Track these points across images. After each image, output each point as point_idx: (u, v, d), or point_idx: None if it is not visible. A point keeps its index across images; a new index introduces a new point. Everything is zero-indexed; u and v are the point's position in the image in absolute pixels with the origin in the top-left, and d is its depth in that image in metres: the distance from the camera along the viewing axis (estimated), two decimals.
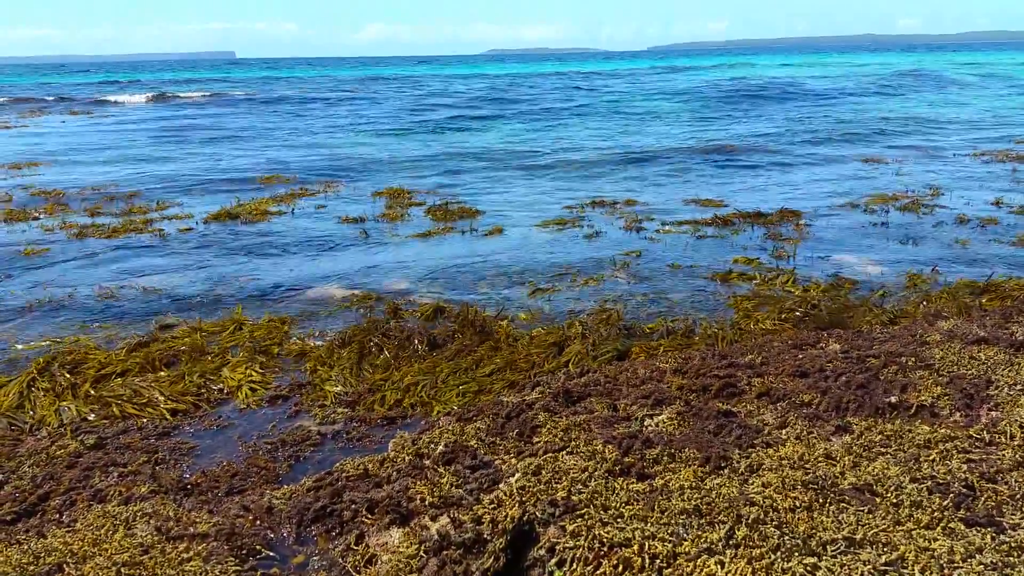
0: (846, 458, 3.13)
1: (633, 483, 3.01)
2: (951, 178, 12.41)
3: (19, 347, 5.74)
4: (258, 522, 3.19)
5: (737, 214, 9.81)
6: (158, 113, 32.11)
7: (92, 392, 4.85)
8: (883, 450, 3.20)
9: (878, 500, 2.80)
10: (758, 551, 2.50)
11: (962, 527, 2.61)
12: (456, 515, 2.91)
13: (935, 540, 2.53)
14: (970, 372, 3.93)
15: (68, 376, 5.03)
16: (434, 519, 2.96)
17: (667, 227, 9.38)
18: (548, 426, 3.63)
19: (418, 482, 3.23)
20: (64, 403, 4.70)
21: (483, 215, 10.47)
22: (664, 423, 3.60)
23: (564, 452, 3.34)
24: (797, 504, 2.77)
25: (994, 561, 2.42)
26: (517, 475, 3.14)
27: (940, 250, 8.03)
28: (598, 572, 2.53)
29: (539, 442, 3.48)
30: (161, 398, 4.74)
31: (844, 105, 27.80)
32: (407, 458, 3.50)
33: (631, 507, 2.80)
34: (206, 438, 4.32)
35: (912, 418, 3.50)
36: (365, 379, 5.05)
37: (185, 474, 3.83)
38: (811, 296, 6.47)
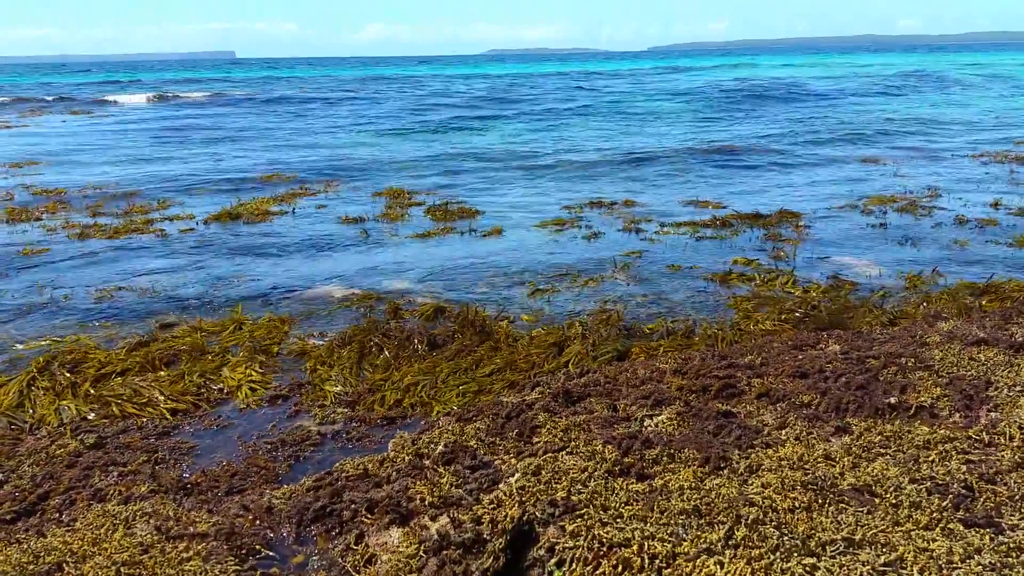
0: (845, 459, 3.13)
1: (633, 483, 3.02)
2: (951, 179, 12.42)
3: (19, 346, 5.74)
4: (258, 522, 3.19)
5: (737, 215, 9.81)
6: (159, 113, 32.12)
7: (92, 391, 4.86)
8: (882, 451, 3.20)
9: (877, 501, 2.80)
10: (757, 551, 2.50)
11: (961, 528, 2.61)
12: (456, 515, 2.91)
13: (934, 541, 2.53)
14: (970, 373, 3.94)
15: (68, 375, 5.04)
16: (434, 519, 2.96)
17: (667, 228, 9.39)
18: (548, 426, 3.63)
19: (418, 482, 3.24)
20: (64, 402, 4.70)
21: (483, 215, 10.47)
22: (664, 423, 3.60)
23: (564, 452, 3.34)
24: (796, 505, 2.77)
25: (993, 562, 2.42)
26: (517, 475, 3.15)
27: (939, 251, 8.04)
28: (597, 572, 2.53)
29: (539, 442, 3.49)
30: (161, 398, 4.74)
31: (846, 106, 27.80)
32: (407, 458, 3.50)
33: (631, 507, 2.81)
34: (206, 438, 4.32)
35: (911, 419, 3.50)
36: (365, 379, 5.05)
37: (185, 474, 3.84)
38: (811, 297, 6.47)
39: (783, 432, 3.45)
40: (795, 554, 2.49)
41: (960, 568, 2.40)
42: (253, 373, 5.13)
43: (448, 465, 3.36)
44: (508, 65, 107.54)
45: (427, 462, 3.42)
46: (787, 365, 4.23)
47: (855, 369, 4.07)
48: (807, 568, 2.42)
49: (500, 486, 3.09)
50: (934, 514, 2.69)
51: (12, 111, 33.59)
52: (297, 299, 6.87)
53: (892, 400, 3.65)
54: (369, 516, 3.09)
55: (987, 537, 2.55)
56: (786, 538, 2.56)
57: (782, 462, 3.12)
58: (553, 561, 2.63)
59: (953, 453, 3.13)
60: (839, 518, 2.68)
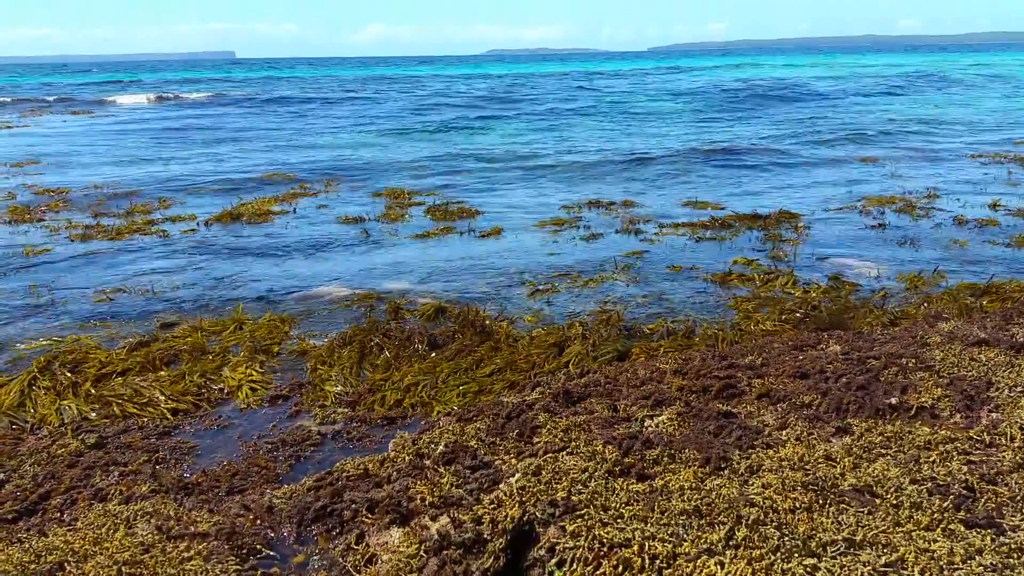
0: (846, 459, 3.13)
1: (633, 484, 3.02)
2: (952, 180, 12.42)
3: (20, 346, 5.74)
4: (258, 521, 3.19)
5: (737, 216, 9.81)
6: (160, 113, 32.13)
7: (93, 391, 4.86)
8: (883, 451, 3.20)
9: (878, 501, 2.80)
10: (758, 552, 2.50)
11: (962, 529, 2.61)
12: (456, 515, 2.91)
13: (935, 541, 2.53)
14: (970, 374, 3.94)
15: (69, 375, 5.04)
16: (434, 519, 2.96)
17: (667, 229, 9.39)
18: (548, 426, 3.63)
19: (418, 482, 3.24)
20: (65, 402, 4.70)
21: (483, 216, 10.48)
22: (664, 424, 3.60)
23: (564, 452, 3.34)
24: (797, 505, 2.77)
25: (994, 563, 2.42)
26: (517, 475, 3.15)
27: (939, 252, 8.04)
28: (598, 572, 2.53)
29: (539, 442, 3.49)
30: (162, 397, 4.74)
31: (848, 106, 27.81)
32: (407, 458, 3.50)
33: (631, 507, 2.81)
34: (206, 438, 4.32)
35: (912, 419, 3.50)
36: (365, 379, 5.05)
37: (186, 473, 3.84)
38: (811, 297, 6.47)
39: (784, 433, 3.45)
40: (796, 555, 2.49)
41: (961, 569, 2.40)
42: (254, 373, 5.14)
43: (448, 465, 3.36)
44: (509, 65, 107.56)
45: (427, 462, 3.42)
46: (788, 365, 4.23)
47: (856, 369, 4.07)
48: (808, 569, 2.42)
49: (500, 486, 3.09)
50: (935, 515, 2.69)
51: (13, 111, 33.61)
52: (297, 299, 6.88)
53: (893, 401, 3.65)
54: (370, 516, 3.09)
55: (988, 538, 2.55)
56: (787, 539, 2.56)
57: (783, 463, 3.12)
58: (553, 561, 2.63)
59: (954, 454, 3.13)
60: (840, 519, 2.68)
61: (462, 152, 17.54)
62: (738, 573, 2.43)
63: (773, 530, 2.61)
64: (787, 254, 7.99)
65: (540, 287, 7.04)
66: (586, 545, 2.62)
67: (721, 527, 2.63)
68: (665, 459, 3.22)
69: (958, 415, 3.51)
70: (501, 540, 2.73)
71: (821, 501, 2.80)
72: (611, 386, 4.17)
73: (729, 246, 8.48)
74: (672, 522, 2.69)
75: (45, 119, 29.34)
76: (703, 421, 3.58)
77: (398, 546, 2.87)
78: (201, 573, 2.80)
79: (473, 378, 4.97)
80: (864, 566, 2.42)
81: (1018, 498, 2.79)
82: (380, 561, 2.84)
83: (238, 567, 2.88)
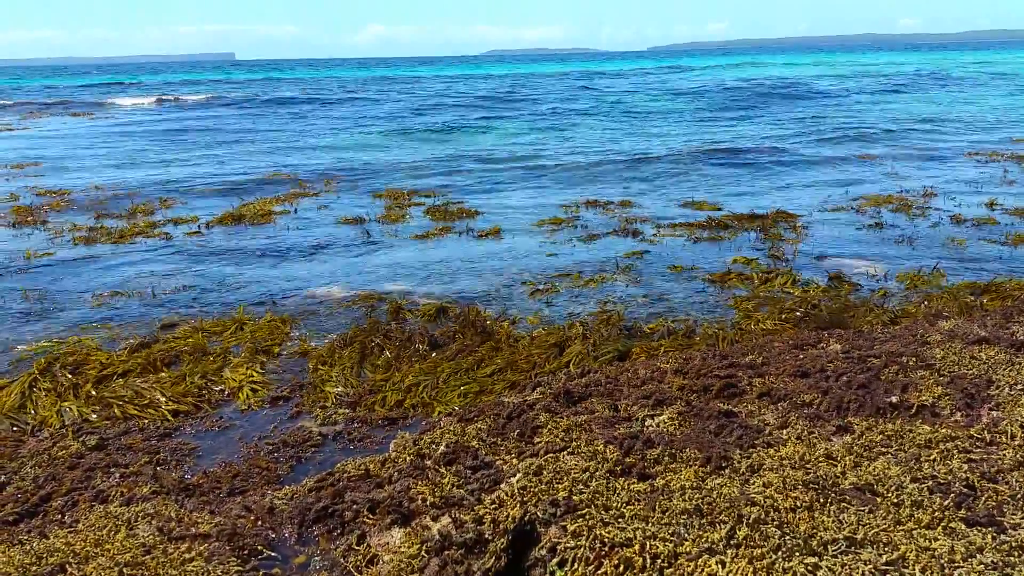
0: (847, 458, 3.13)
1: (634, 483, 3.02)
2: (953, 179, 12.41)
3: (21, 348, 5.74)
4: (260, 522, 3.20)
5: (738, 216, 9.81)
6: (161, 115, 32.16)
7: (94, 393, 4.86)
8: (884, 450, 3.20)
9: (879, 500, 2.80)
10: (759, 551, 2.50)
11: (963, 527, 2.61)
12: (457, 515, 2.91)
13: (936, 540, 2.53)
14: (971, 372, 3.93)
15: (70, 377, 5.04)
16: (435, 519, 2.96)
17: (668, 229, 9.39)
18: (549, 426, 3.63)
19: (419, 482, 3.24)
20: (66, 404, 4.71)
21: (483, 216, 10.48)
22: (665, 423, 3.60)
23: (565, 452, 3.34)
24: (798, 504, 2.77)
25: (995, 561, 2.42)
26: (518, 475, 3.15)
27: (937, 251, 8.03)
28: (599, 572, 2.53)
29: (540, 442, 3.49)
30: (162, 399, 4.75)
31: (850, 105, 27.81)
32: (408, 458, 3.50)
33: (632, 507, 2.81)
34: (207, 439, 4.33)
35: (913, 418, 3.50)
36: (366, 380, 5.05)
37: (187, 475, 3.84)
38: (811, 296, 6.47)
39: (784, 431, 3.44)
40: (797, 553, 2.49)
41: (962, 567, 2.40)
42: (254, 374, 5.14)
43: (450, 465, 3.37)
44: (508, 65, 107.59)
45: (429, 462, 3.42)
46: (788, 364, 4.22)
47: (856, 368, 4.07)
48: (809, 567, 2.42)
49: (502, 486, 3.09)
50: (936, 513, 2.69)
51: (14, 113, 33.66)
52: (298, 300, 6.88)
53: (893, 399, 3.65)
54: (371, 516, 3.09)
55: (989, 536, 2.55)
56: (788, 537, 2.56)
57: (783, 461, 3.12)
58: (555, 561, 2.63)
59: (955, 452, 3.13)
60: (841, 517, 2.68)
61: (463, 152, 17.55)
62: (739, 572, 2.43)
63: (774, 529, 2.61)
64: (787, 254, 7.99)
65: (540, 287, 7.04)
66: (587, 545, 2.62)
67: (722, 526, 2.63)
68: (666, 458, 3.22)
69: (959, 413, 3.51)
70: (502, 540, 2.73)
71: (822, 500, 2.80)
72: (612, 386, 4.17)
73: (730, 246, 8.48)
74: (673, 521, 2.69)
75: (45, 121, 29.37)
76: (704, 420, 3.58)
77: (399, 546, 2.87)
78: (202, 574, 2.81)
79: (474, 378, 4.97)
80: (865, 564, 2.42)
81: (1019, 496, 2.79)
82: (381, 562, 2.84)
83: (239, 568, 2.88)
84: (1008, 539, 2.53)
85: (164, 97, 43.79)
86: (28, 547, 3.00)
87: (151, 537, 3.04)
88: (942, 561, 2.43)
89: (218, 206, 11.45)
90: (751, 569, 2.43)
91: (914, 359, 4.14)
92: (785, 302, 6.31)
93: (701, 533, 2.60)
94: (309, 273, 7.82)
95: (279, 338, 5.82)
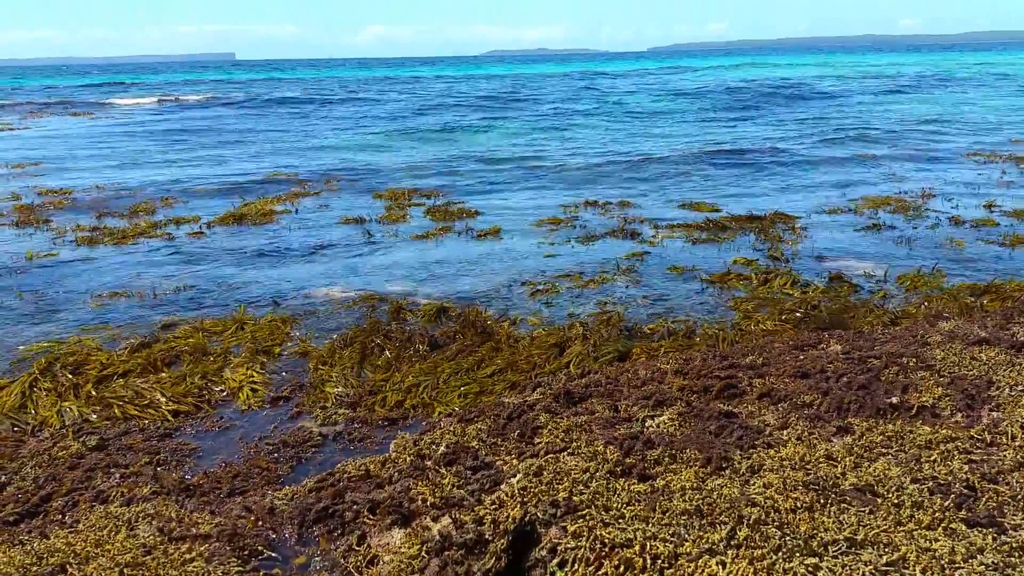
0: (847, 459, 3.13)
1: (634, 484, 3.02)
2: (953, 180, 12.41)
3: (21, 348, 5.75)
4: (260, 523, 3.20)
5: (738, 217, 9.81)
6: (161, 115, 32.17)
7: (94, 393, 4.87)
8: (884, 451, 3.20)
9: (879, 501, 2.80)
10: (759, 551, 2.50)
11: (963, 528, 2.61)
12: (458, 516, 2.91)
13: (936, 540, 2.53)
14: (971, 373, 3.93)
15: (70, 377, 5.04)
16: (436, 520, 2.97)
17: (669, 230, 9.39)
18: (549, 427, 3.63)
19: (420, 483, 3.24)
20: (66, 404, 4.71)
21: (484, 216, 10.48)
22: (665, 424, 3.60)
23: (565, 453, 3.34)
24: (798, 505, 2.77)
25: (995, 561, 2.42)
26: (518, 476, 3.15)
27: (937, 252, 8.03)
28: (600, 572, 2.53)
29: (540, 443, 3.49)
30: (163, 399, 4.75)
31: (853, 106, 27.80)
32: (408, 459, 3.50)
33: (632, 508, 2.81)
34: (208, 439, 4.33)
35: (913, 419, 3.50)
36: (366, 380, 5.05)
37: (187, 475, 3.84)
38: (811, 297, 6.47)
39: (785, 432, 3.44)
40: (797, 554, 2.49)
41: (962, 568, 2.40)
42: (255, 374, 5.14)
43: (450, 466, 3.37)
44: (509, 66, 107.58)
45: (429, 463, 3.42)
46: (788, 365, 4.22)
47: (856, 369, 4.07)
48: (809, 568, 2.42)
49: (502, 487, 3.09)
50: (936, 514, 2.68)
51: (14, 113, 33.67)
52: (299, 300, 6.88)
53: (894, 400, 3.65)
54: (371, 517, 3.09)
55: (989, 537, 2.55)
56: (788, 538, 2.56)
57: (784, 462, 3.12)
58: (555, 562, 2.63)
59: (955, 453, 3.13)
60: (841, 518, 2.68)
61: (464, 153, 17.55)
62: (740, 573, 2.43)
63: (774, 530, 2.61)
64: (787, 255, 7.99)
65: (541, 288, 7.04)
66: (588, 545, 2.62)
67: (723, 527, 2.63)
68: (666, 459, 3.22)
69: (959, 414, 3.51)
70: (503, 541, 2.73)
71: (822, 500, 2.80)
72: (612, 386, 4.17)
73: (730, 247, 8.48)
74: (673, 522, 2.69)
75: (46, 121, 29.39)
76: (704, 421, 3.58)
77: (400, 547, 2.87)
78: (203, 575, 2.81)
79: (474, 379, 4.97)
80: (865, 565, 2.42)
81: (1019, 497, 2.79)
82: (382, 562, 2.84)
83: (240, 568, 2.88)
84: (1008, 540, 2.53)
85: (165, 97, 43.82)
86: (28, 547, 3.00)
87: (151, 537, 3.04)
88: (942, 562, 2.43)
89: (219, 206, 11.46)
90: (751, 570, 2.43)
91: (914, 360, 4.14)
92: (785, 303, 6.31)
93: (701, 534, 2.60)
94: (310, 273, 7.82)
95: (279, 338, 5.82)
